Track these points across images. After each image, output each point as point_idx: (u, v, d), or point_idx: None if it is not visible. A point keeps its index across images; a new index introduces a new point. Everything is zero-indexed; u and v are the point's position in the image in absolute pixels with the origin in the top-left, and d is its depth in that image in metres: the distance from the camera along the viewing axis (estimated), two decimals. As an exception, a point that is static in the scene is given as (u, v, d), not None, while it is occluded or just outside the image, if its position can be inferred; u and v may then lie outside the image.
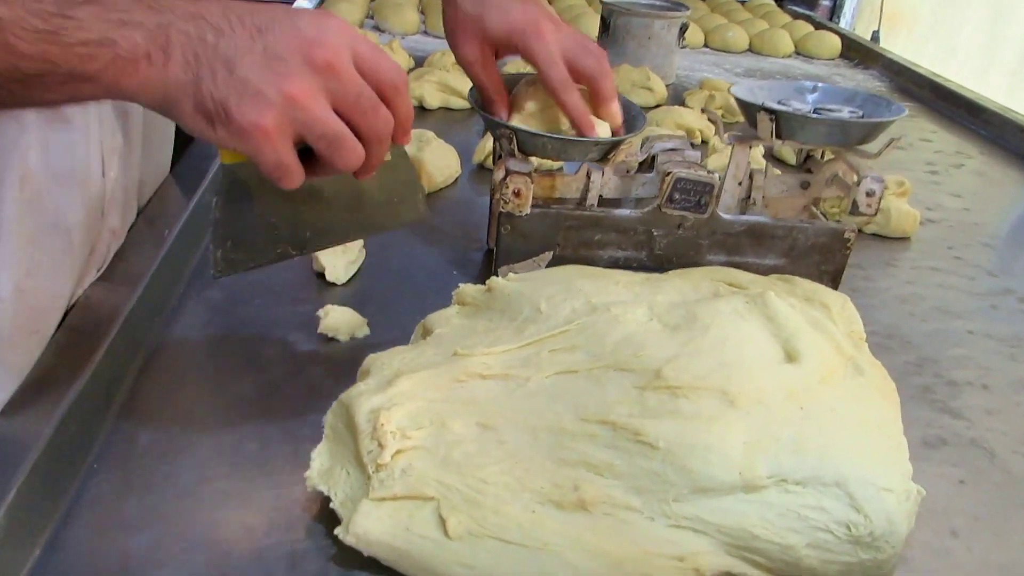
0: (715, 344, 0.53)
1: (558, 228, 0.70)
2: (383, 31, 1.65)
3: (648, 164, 0.73)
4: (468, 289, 0.62)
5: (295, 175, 0.45)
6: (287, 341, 0.65)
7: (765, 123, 0.71)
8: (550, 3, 1.83)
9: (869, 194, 0.70)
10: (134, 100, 0.43)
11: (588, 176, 0.70)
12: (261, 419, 0.57)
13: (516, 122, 0.69)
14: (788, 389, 0.50)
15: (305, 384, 0.60)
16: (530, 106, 0.69)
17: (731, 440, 0.47)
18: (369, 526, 0.45)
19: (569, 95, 0.66)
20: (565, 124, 0.69)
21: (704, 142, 1.18)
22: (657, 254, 0.72)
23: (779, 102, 0.74)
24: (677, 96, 1.40)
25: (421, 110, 1.21)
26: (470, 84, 0.72)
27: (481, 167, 1.01)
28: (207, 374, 0.61)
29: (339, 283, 0.73)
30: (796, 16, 2.11)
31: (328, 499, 0.47)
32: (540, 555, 0.44)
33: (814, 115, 0.71)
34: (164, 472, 0.51)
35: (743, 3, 2.17)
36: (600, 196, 0.71)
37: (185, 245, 0.73)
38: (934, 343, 0.76)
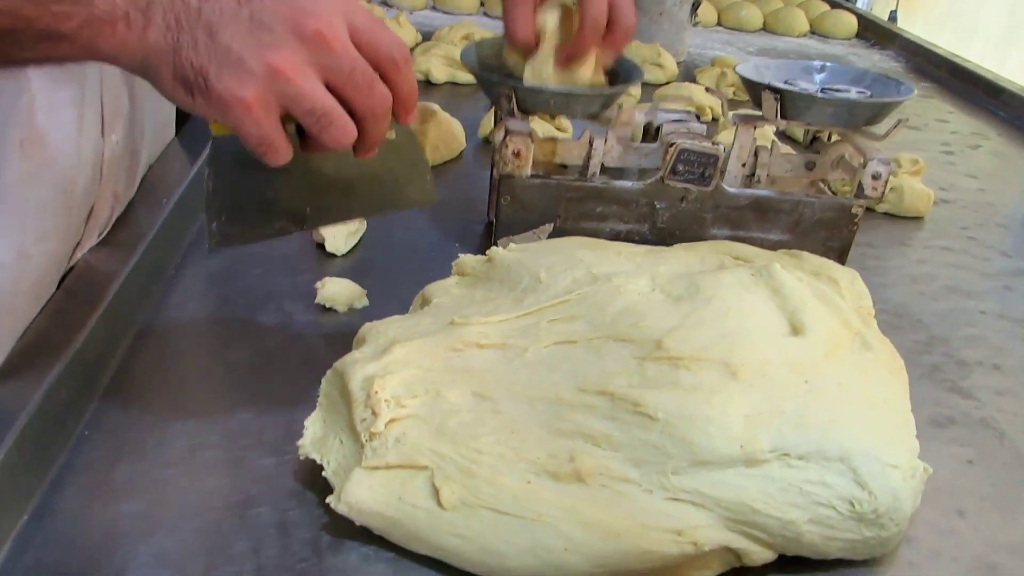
0: (718, 315, 0.51)
1: (559, 199, 0.68)
2: (390, 6, 1.63)
3: (652, 135, 0.72)
4: (468, 259, 0.61)
5: (281, 151, 0.43)
6: (285, 311, 0.64)
7: (770, 103, 0.69)
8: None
9: (875, 177, 0.69)
10: (112, 62, 0.41)
11: (591, 143, 0.68)
12: (256, 388, 0.56)
13: (529, 68, 0.67)
14: (792, 362, 0.49)
15: (301, 354, 0.60)
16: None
17: (732, 412, 0.46)
18: (361, 495, 0.44)
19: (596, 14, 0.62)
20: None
21: (715, 119, 1.16)
22: (660, 227, 0.71)
23: (786, 82, 0.72)
24: (688, 74, 1.38)
25: (428, 84, 1.20)
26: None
27: (486, 141, 1.00)
28: (203, 342, 0.61)
29: (339, 254, 0.72)
30: (812, -5, 2.07)
31: (321, 468, 0.47)
32: (534, 526, 0.43)
33: (820, 95, 0.69)
34: (156, 439, 0.51)
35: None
36: (603, 165, 0.70)
37: (184, 213, 0.72)
38: (945, 322, 0.74)
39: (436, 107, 0.95)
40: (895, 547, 0.48)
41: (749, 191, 0.71)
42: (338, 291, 0.64)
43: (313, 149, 0.46)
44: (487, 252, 0.61)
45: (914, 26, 2.02)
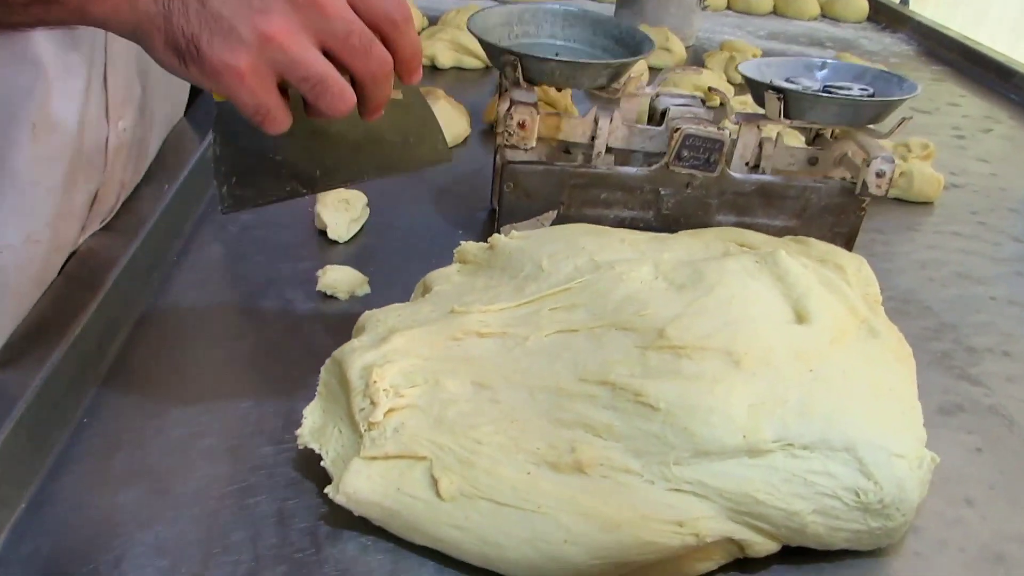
0: (721, 303, 0.51)
1: (563, 186, 0.68)
2: None
3: (658, 119, 0.71)
4: (470, 247, 0.61)
5: (278, 120, 0.42)
6: (286, 298, 0.64)
7: (773, 102, 0.68)
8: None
9: (879, 175, 0.68)
10: (104, 27, 0.40)
11: (596, 122, 0.68)
12: (256, 376, 0.56)
13: None
14: (797, 350, 0.48)
15: (302, 342, 0.59)
16: None
17: (735, 402, 0.45)
18: (359, 485, 0.44)
19: None
20: None
21: (722, 105, 1.14)
22: (664, 214, 0.70)
23: (788, 80, 0.71)
24: (697, 58, 1.37)
25: (433, 69, 1.19)
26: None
27: (492, 127, 0.99)
28: (203, 330, 0.61)
29: (341, 241, 0.72)
30: (823, -23, 2.04)
31: (320, 457, 0.46)
32: (534, 517, 0.42)
33: (823, 94, 0.68)
34: (155, 427, 0.50)
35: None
36: (607, 146, 0.69)
37: (187, 199, 0.72)
38: (954, 309, 0.73)
39: (441, 92, 0.94)
40: (901, 537, 0.47)
41: (755, 177, 0.70)
42: (339, 279, 0.64)
43: (314, 115, 0.45)
44: (489, 239, 0.60)
45: (925, 9, 1.99)
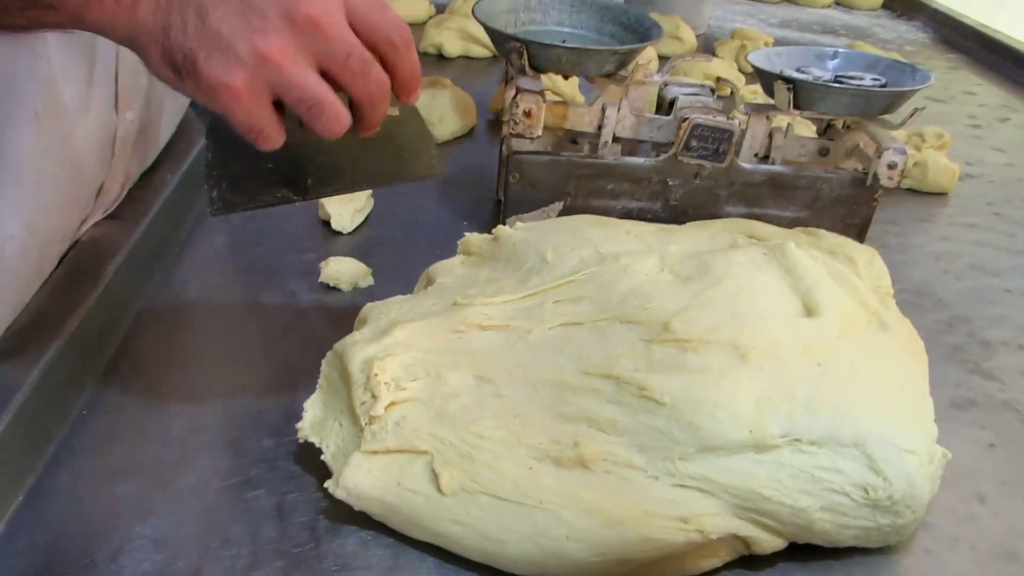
0: (728, 296, 0.50)
1: (569, 177, 0.67)
2: None
3: (667, 108, 0.70)
4: (473, 238, 0.60)
5: (271, 138, 0.41)
6: (289, 290, 0.63)
7: (782, 93, 0.67)
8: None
9: (891, 166, 0.67)
10: (101, 34, 0.40)
11: (603, 110, 0.67)
12: (257, 368, 0.55)
13: None
14: (805, 344, 0.47)
15: (304, 334, 0.59)
16: None
17: (741, 396, 0.44)
18: (360, 480, 0.43)
19: None
20: None
21: (731, 94, 1.13)
22: (672, 205, 0.69)
23: (798, 69, 0.70)
24: (708, 47, 1.35)
25: (440, 58, 1.18)
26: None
27: (498, 117, 0.98)
28: (205, 321, 0.60)
29: (345, 232, 0.71)
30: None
31: (321, 451, 0.46)
32: (535, 513, 0.42)
33: (834, 84, 0.67)
34: (155, 420, 0.50)
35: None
36: (615, 136, 0.68)
37: (189, 190, 0.71)
38: (968, 301, 0.72)
39: (448, 81, 0.93)
40: (911, 534, 0.46)
41: (765, 167, 0.69)
42: (343, 270, 0.63)
43: (310, 133, 0.45)
44: (493, 231, 0.59)
45: (942, -5, 1.96)
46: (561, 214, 0.68)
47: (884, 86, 0.69)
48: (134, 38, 0.39)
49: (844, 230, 0.69)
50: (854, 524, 0.44)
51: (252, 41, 0.38)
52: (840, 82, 0.68)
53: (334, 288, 0.64)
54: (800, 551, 0.45)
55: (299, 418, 0.47)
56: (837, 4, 1.82)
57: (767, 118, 0.70)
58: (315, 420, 0.48)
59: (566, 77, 0.92)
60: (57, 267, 0.57)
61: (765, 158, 0.72)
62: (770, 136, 0.72)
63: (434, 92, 0.90)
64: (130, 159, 0.68)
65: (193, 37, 0.38)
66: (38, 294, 0.54)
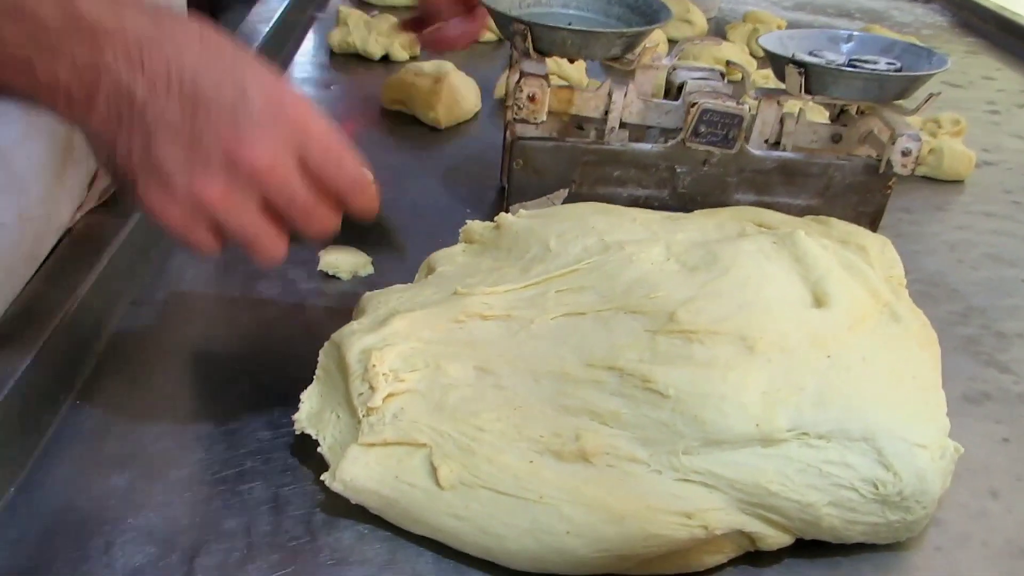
0: (735, 286, 0.49)
1: (574, 163, 0.65)
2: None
3: (675, 93, 0.68)
4: (475, 226, 0.59)
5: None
6: (287, 278, 0.62)
7: (794, 77, 0.65)
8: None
9: (905, 153, 0.65)
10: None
11: (610, 95, 0.65)
12: (255, 358, 0.54)
13: None
14: (814, 335, 0.46)
15: (302, 323, 0.58)
16: None
17: (748, 389, 0.43)
18: (357, 473, 0.42)
19: None
20: None
21: (742, 79, 1.11)
22: (680, 193, 0.67)
23: (811, 53, 0.68)
24: (719, 30, 1.33)
25: (445, 43, 1.16)
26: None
27: (503, 102, 0.96)
28: (201, 310, 0.59)
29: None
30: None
31: (317, 443, 0.45)
32: (535, 508, 0.41)
33: (846, 68, 0.65)
34: (149, 411, 0.49)
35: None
36: (621, 121, 0.66)
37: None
38: (983, 292, 0.71)
39: (451, 66, 0.92)
40: (922, 531, 0.45)
41: (776, 154, 0.67)
42: (342, 258, 0.62)
43: None
44: (496, 218, 0.58)
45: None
46: (566, 201, 0.67)
47: (899, 70, 0.67)
48: (85, 135, 0.39)
49: (857, 219, 0.68)
50: (863, 520, 0.43)
51: (192, 181, 0.37)
52: (854, 66, 0.67)
53: (333, 277, 0.63)
54: (807, 547, 0.44)
55: (296, 409, 0.47)
56: (852, -13, 1.78)
57: (778, 103, 0.68)
58: (312, 411, 0.47)
59: (572, 61, 0.90)
60: (50, 256, 0.57)
61: (776, 144, 0.71)
62: (781, 122, 0.70)
63: (437, 77, 0.89)
64: None
65: (136, 162, 0.37)
66: (32, 282, 0.54)
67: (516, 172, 0.66)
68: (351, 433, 0.45)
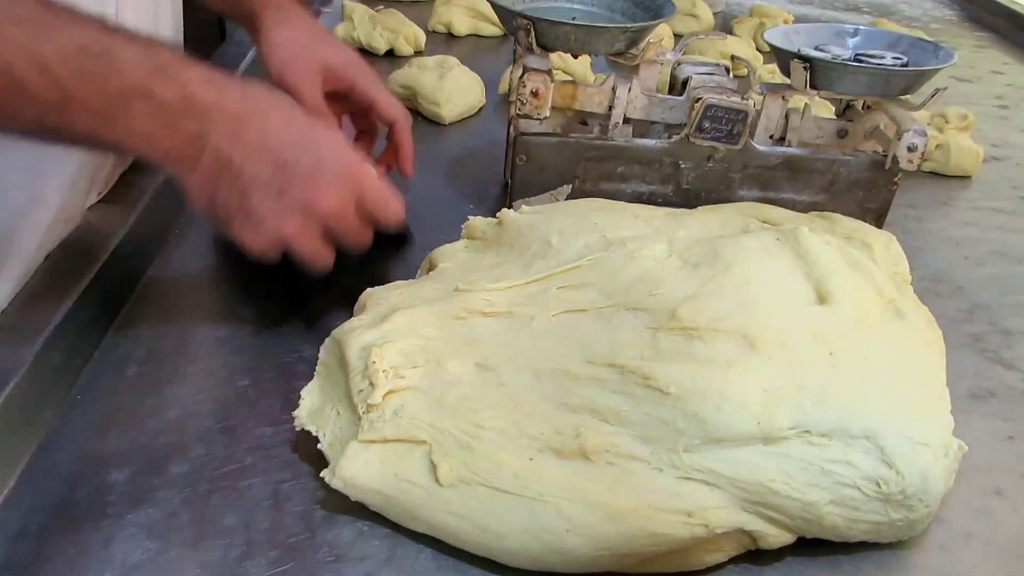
0: (737, 283, 0.48)
1: (578, 159, 0.65)
2: None
3: (679, 88, 0.68)
4: (477, 222, 0.59)
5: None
6: (289, 272, 0.62)
7: (799, 72, 0.65)
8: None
9: (911, 149, 0.64)
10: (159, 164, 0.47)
11: (613, 90, 0.65)
12: (255, 353, 0.54)
13: None
14: (816, 333, 0.46)
15: (304, 318, 0.58)
16: None
17: (749, 387, 0.43)
18: (356, 470, 0.42)
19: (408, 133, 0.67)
20: None
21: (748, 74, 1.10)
22: (684, 189, 0.67)
23: (817, 47, 0.68)
24: (725, 24, 1.32)
25: (449, 37, 1.16)
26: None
27: (507, 98, 0.96)
28: (203, 304, 0.59)
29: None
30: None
31: (317, 439, 0.45)
32: (535, 506, 0.41)
33: (852, 63, 0.65)
34: (150, 406, 0.49)
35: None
36: (625, 117, 0.66)
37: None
38: (989, 289, 0.70)
39: (455, 61, 0.91)
40: (924, 529, 0.45)
41: (780, 149, 0.67)
42: (345, 254, 0.62)
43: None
44: (498, 214, 0.58)
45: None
46: (570, 197, 0.67)
47: (906, 65, 0.66)
48: (184, 186, 0.47)
49: (862, 215, 0.67)
50: (865, 519, 0.42)
51: (279, 222, 0.48)
52: (859, 61, 0.66)
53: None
54: (808, 546, 0.44)
55: (296, 405, 0.46)
56: (860, -19, 1.77)
57: (783, 98, 0.68)
58: (312, 408, 0.47)
59: (575, 56, 0.90)
60: (55, 248, 0.57)
61: (781, 140, 0.70)
62: (786, 117, 0.70)
63: (441, 72, 0.89)
64: None
65: (233, 208, 0.47)
66: (35, 275, 0.54)
67: (519, 168, 0.65)
68: (351, 430, 0.45)
